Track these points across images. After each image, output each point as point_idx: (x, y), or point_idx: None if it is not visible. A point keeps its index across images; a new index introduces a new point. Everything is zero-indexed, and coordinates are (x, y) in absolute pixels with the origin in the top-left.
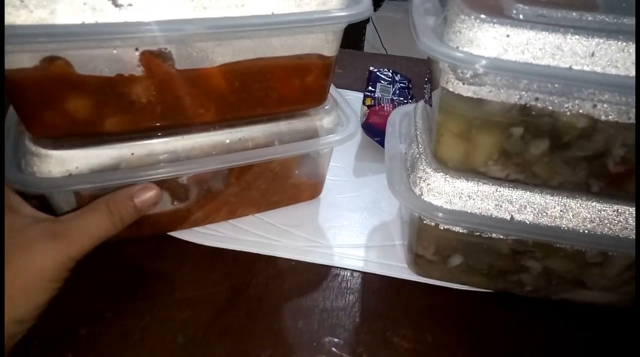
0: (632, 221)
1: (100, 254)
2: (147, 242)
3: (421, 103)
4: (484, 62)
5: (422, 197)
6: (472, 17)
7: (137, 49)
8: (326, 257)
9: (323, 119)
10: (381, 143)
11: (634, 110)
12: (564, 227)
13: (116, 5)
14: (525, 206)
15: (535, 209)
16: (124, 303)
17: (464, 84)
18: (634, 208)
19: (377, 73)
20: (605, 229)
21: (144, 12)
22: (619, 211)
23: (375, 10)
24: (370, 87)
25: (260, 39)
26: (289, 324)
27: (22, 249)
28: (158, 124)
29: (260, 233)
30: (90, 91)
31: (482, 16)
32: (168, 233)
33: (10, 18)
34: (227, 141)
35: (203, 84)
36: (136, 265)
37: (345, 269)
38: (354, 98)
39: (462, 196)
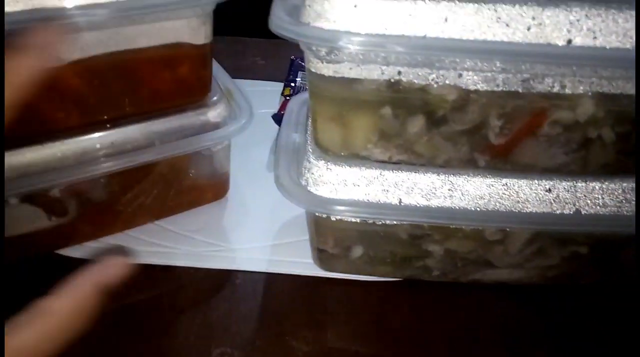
0: (522, 194)
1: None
2: (33, 263)
3: None
4: (328, 35)
5: (308, 188)
6: None
7: None
8: (226, 261)
9: (208, 113)
10: None
11: (500, 76)
12: (455, 207)
13: None
14: (413, 188)
15: (423, 191)
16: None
17: (322, 62)
18: (524, 180)
19: (299, 61)
20: (497, 204)
21: None
22: (508, 184)
23: None
24: (291, 77)
25: (109, 29)
26: (180, 340)
27: None
28: (12, 133)
29: (157, 241)
30: None
31: None
32: (56, 252)
33: None
34: (98, 146)
35: (56, 86)
36: (23, 288)
37: (247, 271)
38: (274, 89)
39: (347, 184)
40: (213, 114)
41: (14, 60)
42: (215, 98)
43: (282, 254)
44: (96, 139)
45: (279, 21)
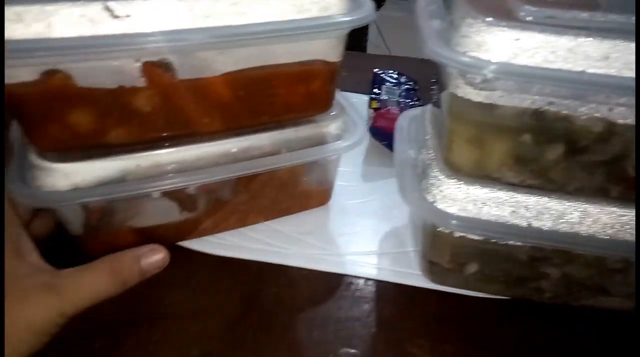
0: None
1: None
2: None
3: (429, 106)
4: (493, 67)
5: (435, 204)
6: (480, 20)
7: (137, 61)
8: (338, 265)
9: (330, 125)
10: (389, 146)
11: None
12: (583, 234)
13: (114, 17)
14: (543, 212)
15: (552, 215)
16: (136, 315)
17: (474, 89)
18: None
19: (382, 75)
20: (627, 234)
21: (143, 23)
22: None
23: (377, 9)
24: (375, 90)
25: (263, 46)
26: (303, 335)
27: (16, 298)
28: (163, 135)
29: (270, 241)
30: (92, 104)
31: (490, 19)
32: (177, 243)
33: (7, 32)
34: (234, 150)
35: (206, 94)
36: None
37: (359, 277)
38: (359, 101)
39: (477, 203)
40: (334, 127)
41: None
42: (335, 112)
43: (388, 264)
44: (232, 143)
45: (437, 48)
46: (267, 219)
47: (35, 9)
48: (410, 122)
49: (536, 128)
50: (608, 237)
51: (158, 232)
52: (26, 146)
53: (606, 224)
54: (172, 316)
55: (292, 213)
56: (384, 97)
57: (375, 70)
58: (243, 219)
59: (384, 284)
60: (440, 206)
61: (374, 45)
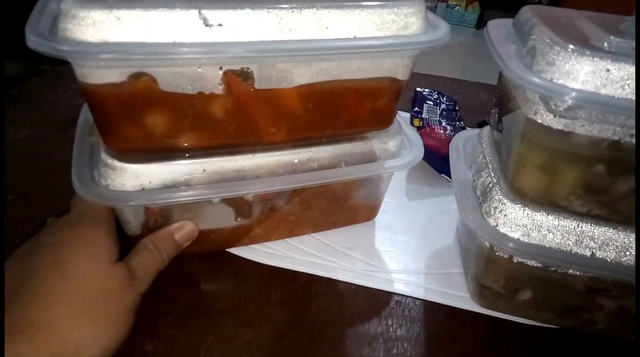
0: None
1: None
2: (206, 259)
3: (487, 129)
4: (583, 96)
5: (498, 228)
6: (569, 49)
7: (221, 68)
8: (386, 283)
9: (389, 143)
10: (434, 166)
11: None
12: None
13: (207, 25)
14: (608, 243)
15: (617, 247)
16: (187, 321)
17: (554, 116)
18: None
19: (423, 93)
20: None
21: (232, 33)
22: None
23: None
24: (416, 108)
25: (340, 61)
26: (353, 351)
27: (107, 295)
28: (231, 142)
29: (317, 254)
30: (170, 107)
31: (579, 48)
32: (226, 250)
33: (105, 35)
34: (295, 161)
35: (278, 104)
36: (197, 282)
37: (406, 296)
38: (400, 118)
39: (541, 230)
40: (392, 144)
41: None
42: (393, 129)
43: (436, 284)
44: (294, 155)
45: (521, 72)
46: (315, 230)
47: (136, 13)
48: (465, 142)
49: (611, 159)
50: None
51: (210, 237)
52: (96, 144)
53: None
54: (223, 323)
55: (339, 226)
56: (425, 115)
57: (417, 89)
58: (292, 229)
59: (431, 304)
60: (502, 229)
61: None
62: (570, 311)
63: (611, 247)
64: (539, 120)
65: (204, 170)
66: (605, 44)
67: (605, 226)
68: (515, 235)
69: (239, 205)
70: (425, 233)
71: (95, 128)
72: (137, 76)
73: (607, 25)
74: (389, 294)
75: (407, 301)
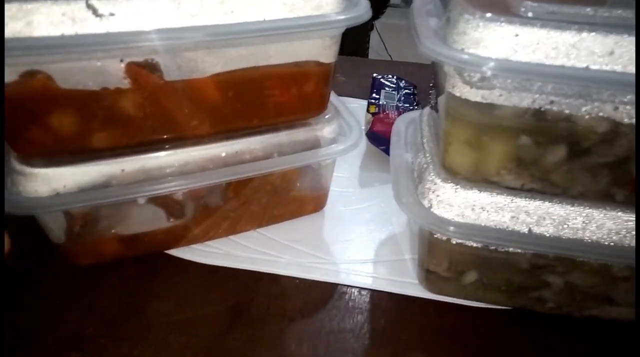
0: None
1: (94, 275)
2: (143, 262)
3: (427, 109)
4: (492, 64)
5: (432, 209)
6: (477, 16)
7: (122, 61)
8: (332, 274)
9: (324, 129)
10: (387, 151)
11: None
12: (587, 240)
13: (97, 15)
14: (544, 218)
15: (555, 221)
16: (118, 327)
17: (471, 88)
18: None
19: (381, 79)
20: (633, 241)
21: (127, 22)
22: None
23: (378, 17)
24: (374, 94)
25: (253, 46)
26: (293, 349)
27: None
28: (149, 138)
29: (261, 249)
30: (75, 106)
31: (488, 15)
32: (165, 252)
33: None
34: (224, 154)
35: (195, 95)
36: (131, 286)
37: (353, 286)
38: (358, 106)
39: (475, 208)
40: (328, 130)
41: None
42: (329, 115)
43: (384, 272)
44: (222, 147)
45: (433, 46)
46: (259, 226)
47: (14, 6)
48: (408, 125)
49: (537, 129)
50: (613, 243)
51: (145, 240)
52: (7, 151)
53: (611, 229)
54: (155, 329)
55: (285, 220)
56: (382, 101)
57: (374, 75)
58: (234, 227)
59: (379, 293)
60: (437, 211)
61: (376, 53)
62: (518, 290)
63: (548, 222)
64: (457, 94)
65: (123, 170)
66: (522, 9)
67: (540, 200)
68: (449, 215)
69: (168, 204)
70: (377, 221)
71: None
72: (30, 74)
73: None
74: (334, 286)
75: (353, 292)
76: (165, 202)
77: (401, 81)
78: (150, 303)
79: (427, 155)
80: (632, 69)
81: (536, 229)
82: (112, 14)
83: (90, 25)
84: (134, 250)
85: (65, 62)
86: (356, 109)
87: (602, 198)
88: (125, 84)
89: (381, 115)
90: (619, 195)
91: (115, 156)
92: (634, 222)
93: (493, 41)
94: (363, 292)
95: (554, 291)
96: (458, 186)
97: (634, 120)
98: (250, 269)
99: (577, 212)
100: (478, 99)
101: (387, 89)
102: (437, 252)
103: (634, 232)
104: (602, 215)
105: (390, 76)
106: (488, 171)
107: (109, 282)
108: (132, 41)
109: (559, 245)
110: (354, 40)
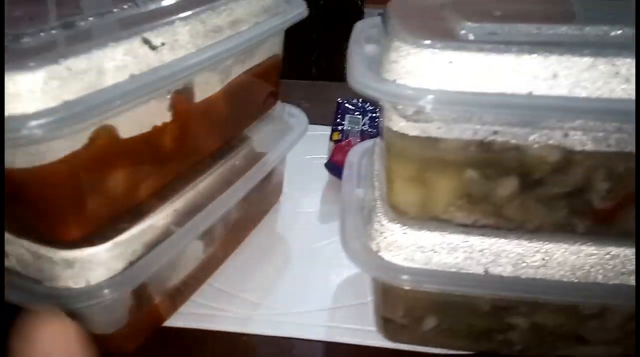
0: (630, 266)
1: None
2: None
3: (379, 139)
4: (423, 96)
5: (380, 253)
6: (409, 43)
7: (169, 92)
8: (282, 327)
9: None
10: None
11: (614, 136)
12: (549, 278)
13: (152, 48)
14: (500, 256)
15: (512, 259)
16: None
17: (407, 121)
18: (632, 249)
19: (346, 104)
20: (599, 276)
21: (175, 50)
22: (613, 253)
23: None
24: (338, 120)
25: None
26: None
27: None
28: (179, 170)
29: (202, 302)
30: (131, 156)
31: (420, 41)
32: None
33: (62, 94)
34: (237, 163)
35: (212, 111)
36: None
37: (302, 339)
38: (322, 134)
39: (425, 250)
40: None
41: None
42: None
43: (341, 320)
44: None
45: (362, 78)
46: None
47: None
48: (362, 156)
49: (483, 161)
50: (577, 280)
51: (187, 286)
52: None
53: (574, 265)
54: None
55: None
56: (347, 127)
57: (339, 99)
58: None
59: (334, 345)
60: (385, 255)
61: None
62: (481, 334)
63: (505, 260)
64: (395, 128)
65: (175, 210)
66: (461, 32)
67: (495, 237)
68: (398, 260)
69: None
70: (337, 259)
71: None
72: (98, 132)
73: (475, 11)
74: (285, 341)
75: (306, 346)
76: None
77: (367, 104)
78: None
79: (377, 191)
80: (578, 91)
81: (493, 269)
82: (163, 44)
83: (149, 61)
84: (176, 305)
85: (133, 107)
86: (319, 136)
87: (562, 231)
88: (168, 116)
89: (343, 143)
90: (580, 226)
91: (163, 199)
92: (598, 256)
93: (426, 70)
94: (315, 345)
95: (520, 333)
96: (406, 227)
97: (587, 147)
98: (187, 327)
99: (536, 249)
100: (416, 133)
101: (352, 113)
102: (392, 298)
103: (597, 268)
104: (562, 250)
105: (355, 100)
106: (436, 209)
107: None
108: (190, 67)
109: (517, 287)
110: (329, 63)
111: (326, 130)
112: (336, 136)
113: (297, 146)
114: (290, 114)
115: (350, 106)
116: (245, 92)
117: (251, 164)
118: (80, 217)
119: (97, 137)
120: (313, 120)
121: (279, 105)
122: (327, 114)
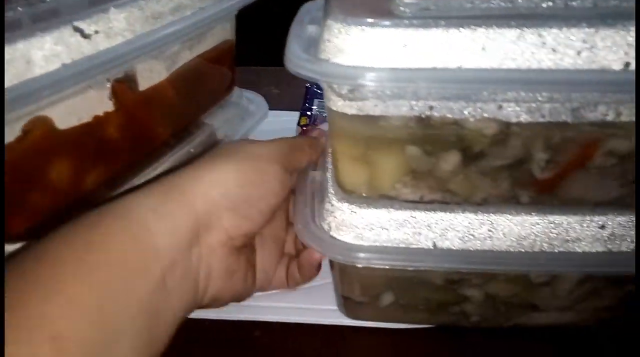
0: (573, 233)
1: None
2: None
3: None
4: (353, 72)
5: (331, 233)
6: (339, 21)
7: (108, 80)
8: (245, 310)
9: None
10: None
11: (546, 106)
12: (496, 249)
13: (84, 37)
14: (448, 230)
15: (459, 232)
16: None
17: (344, 100)
18: (574, 217)
19: (314, 88)
20: (544, 245)
21: (110, 38)
22: (556, 222)
23: None
24: (306, 105)
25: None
26: None
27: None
28: (130, 161)
29: None
30: (72, 147)
31: (350, 19)
32: None
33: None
34: (192, 151)
35: (159, 100)
36: None
37: (268, 322)
38: (291, 119)
39: (374, 227)
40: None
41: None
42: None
43: (305, 301)
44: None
45: (295, 58)
46: None
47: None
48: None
49: (423, 137)
50: (524, 250)
51: None
52: None
53: (520, 235)
54: None
55: None
56: (315, 111)
57: (307, 84)
58: None
59: (297, 326)
60: (336, 234)
61: None
62: (438, 307)
63: (452, 234)
64: (334, 108)
65: None
66: (395, 9)
67: (442, 211)
68: (348, 238)
69: None
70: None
71: None
72: (32, 124)
73: None
74: (249, 324)
75: (269, 328)
76: None
77: None
78: None
79: (329, 172)
80: (507, 63)
81: (441, 243)
82: (96, 32)
83: (82, 48)
84: None
85: (68, 96)
86: (289, 122)
87: (506, 202)
88: (110, 105)
89: (309, 127)
90: (524, 197)
91: (114, 189)
92: (543, 225)
93: (357, 48)
94: (278, 327)
95: (475, 304)
96: (353, 205)
97: (522, 119)
98: None
99: (481, 221)
100: (354, 111)
101: (320, 97)
102: (348, 277)
103: (543, 236)
104: (507, 220)
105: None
106: (383, 187)
107: None
108: (128, 54)
109: (467, 259)
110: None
111: (296, 116)
112: (304, 121)
113: (266, 132)
114: (249, 100)
115: (319, 90)
116: (196, 79)
117: (208, 150)
118: (22, 210)
119: (31, 129)
120: (283, 106)
121: (236, 91)
122: (298, 99)
